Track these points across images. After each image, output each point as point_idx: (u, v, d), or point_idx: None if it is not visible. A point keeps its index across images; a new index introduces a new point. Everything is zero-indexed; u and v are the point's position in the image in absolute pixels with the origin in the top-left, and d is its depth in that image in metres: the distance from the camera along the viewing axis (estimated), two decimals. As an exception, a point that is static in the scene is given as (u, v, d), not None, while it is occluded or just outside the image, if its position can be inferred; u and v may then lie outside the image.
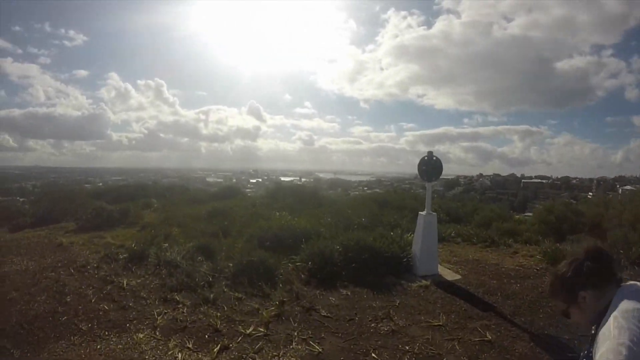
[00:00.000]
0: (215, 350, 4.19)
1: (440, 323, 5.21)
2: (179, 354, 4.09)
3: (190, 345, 4.30)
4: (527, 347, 4.62)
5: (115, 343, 4.50)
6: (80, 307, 5.57)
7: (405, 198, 16.89)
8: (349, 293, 6.20)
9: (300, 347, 4.41)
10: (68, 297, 5.97)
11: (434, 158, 7.25)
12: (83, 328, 4.91)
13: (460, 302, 6.01)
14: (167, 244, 8.21)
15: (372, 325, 5.10)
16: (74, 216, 13.61)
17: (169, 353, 4.13)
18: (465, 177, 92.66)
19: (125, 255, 7.76)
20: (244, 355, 4.13)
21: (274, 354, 4.21)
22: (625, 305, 1.50)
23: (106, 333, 4.76)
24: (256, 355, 4.14)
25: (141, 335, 4.62)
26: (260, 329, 4.78)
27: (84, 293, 6.12)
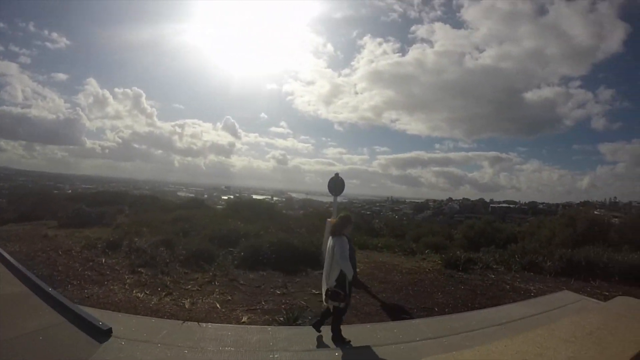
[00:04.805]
0: (163, 294, 6.63)
1: (319, 292, 7.46)
2: (139, 294, 6.50)
3: (147, 292, 6.71)
4: (374, 309, 6.90)
5: (97, 290, 6.81)
6: (70, 273, 7.84)
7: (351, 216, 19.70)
8: (265, 273, 8.64)
9: (218, 296, 6.87)
10: (60, 267, 8.22)
11: (339, 178, 9.78)
12: (74, 283, 7.22)
13: (345, 284, 8.47)
14: (137, 239, 10.49)
15: (271, 290, 7.56)
16: (55, 215, 15.77)
17: (133, 295, 6.53)
18: (434, 201, 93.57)
19: (103, 244, 9.99)
20: (181, 298, 6.57)
21: (200, 297, 6.66)
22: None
23: (90, 286, 7.06)
24: (189, 298, 6.56)
25: (115, 287, 6.99)
26: (196, 287, 7.22)
27: (72, 266, 8.36)
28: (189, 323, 5.45)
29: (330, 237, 5.40)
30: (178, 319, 5.61)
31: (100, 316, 5.16)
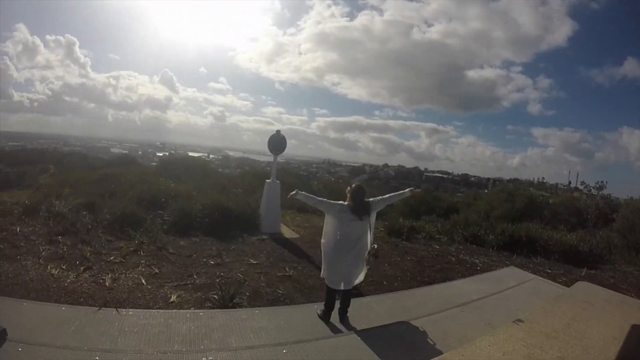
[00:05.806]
0: (81, 269, 6.17)
1: (257, 262, 7.45)
2: (54, 271, 6.01)
3: (64, 267, 6.22)
4: (318, 282, 6.36)
5: (7, 268, 6.20)
6: (-22, 245, 7.13)
7: (288, 176, 19.49)
8: (197, 240, 8.34)
9: (144, 269, 6.50)
10: (-33, 239, 7.45)
11: (281, 136, 9.41)
12: (-19, 259, 6.56)
13: (284, 250, 8.27)
14: (57, 202, 9.73)
15: (204, 260, 7.28)
16: (-32, 176, 14.41)
17: (47, 272, 6.02)
18: (371, 165, 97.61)
19: (19, 210, 9.19)
20: (102, 273, 6.14)
21: (124, 271, 6.26)
22: None
23: (1, 262, 6.44)
24: (110, 273, 6.15)
25: (28, 262, 6.42)
26: (119, 259, 6.79)
27: (-18, 237, 7.61)
28: (106, 310, 5.01)
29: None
30: (95, 303, 5.17)
31: (2, 306, 4.69)
